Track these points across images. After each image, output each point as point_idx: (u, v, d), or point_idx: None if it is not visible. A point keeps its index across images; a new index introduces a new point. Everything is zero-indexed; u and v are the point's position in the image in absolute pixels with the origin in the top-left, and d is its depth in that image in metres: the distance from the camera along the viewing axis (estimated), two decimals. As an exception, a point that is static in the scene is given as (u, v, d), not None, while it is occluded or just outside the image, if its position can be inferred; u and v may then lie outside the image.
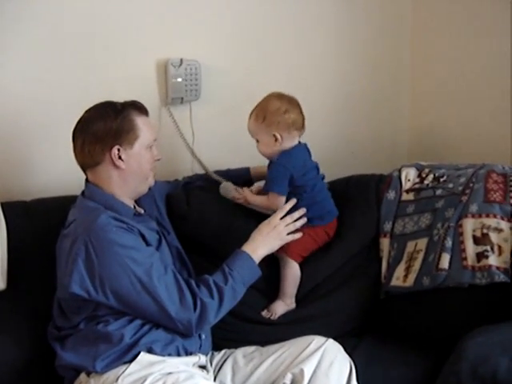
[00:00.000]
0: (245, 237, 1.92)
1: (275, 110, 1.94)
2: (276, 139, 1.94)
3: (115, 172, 1.76)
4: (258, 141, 1.98)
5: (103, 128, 1.73)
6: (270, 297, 2.02)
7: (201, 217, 2.07)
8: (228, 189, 2.07)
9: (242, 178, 2.18)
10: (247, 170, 2.24)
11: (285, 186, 1.96)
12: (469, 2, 2.45)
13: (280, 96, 1.97)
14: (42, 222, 1.92)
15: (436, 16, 2.61)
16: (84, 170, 1.80)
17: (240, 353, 1.83)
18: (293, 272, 2.00)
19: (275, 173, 1.97)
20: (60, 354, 1.70)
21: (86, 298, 1.64)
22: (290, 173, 1.94)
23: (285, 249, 1.98)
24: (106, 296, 1.64)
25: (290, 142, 1.97)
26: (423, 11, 2.66)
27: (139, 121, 1.77)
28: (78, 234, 1.65)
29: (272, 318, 1.99)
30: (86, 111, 1.79)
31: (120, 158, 1.74)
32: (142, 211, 1.89)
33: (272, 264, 2.03)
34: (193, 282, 1.73)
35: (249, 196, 2.03)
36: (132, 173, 1.77)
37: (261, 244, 1.85)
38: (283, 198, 1.96)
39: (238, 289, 1.76)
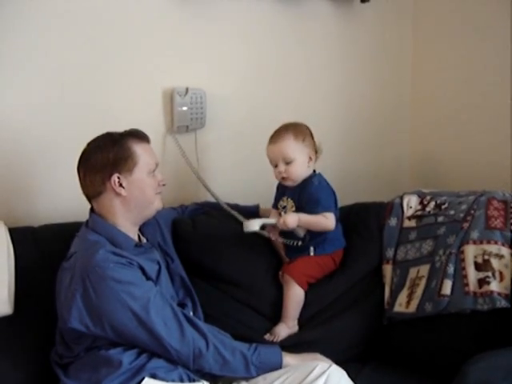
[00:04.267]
0: (250, 261, 1.94)
1: (309, 134, 2.04)
2: (310, 159, 2.01)
3: (117, 200, 1.78)
4: (289, 162, 1.99)
5: (101, 158, 1.76)
6: (274, 321, 2.03)
7: (206, 241, 2.08)
8: (257, 222, 1.99)
9: (250, 214, 2.17)
10: (256, 207, 2.26)
11: (334, 205, 2.04)
12: (469, 31, 2.49)
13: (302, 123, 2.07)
14: (49, 248, 1.93)
15: (436, 47, 2.65)
16: (89, 201, 1.82)
17: (244, 378, 1.81)
18: (297, 295, 2.01)
19: (325, 195, 2.02)
20: (63, 380, 1.71)
21: (85, 332, 1.65)
22: (333, 196, 2.04)
23: (292, 273, 2.02)
24: (104, 331, 1.65)
25: (313, 166, 2.05)
26: (424, 41, 2.71)
27: (137, 148, 1.79)
28: (76, 270, 1.67)
29: (275, 340, 1.98)
30: (88, 144, 1.81)
31: (121, 185, 1.76)
32: (145, 240, 1.91)
33: (277, 288, 2.05)
34: (200, 322, 1.74)
35: (301, 216, 1.97)
36: (134, 199, 1.79)
37: (299, 359, 1.80)
38: None
39: (251, 369, 1.73)
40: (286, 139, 2.00)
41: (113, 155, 1.75)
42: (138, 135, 1.82)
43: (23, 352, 1.81)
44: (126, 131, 1.82)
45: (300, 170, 2.01)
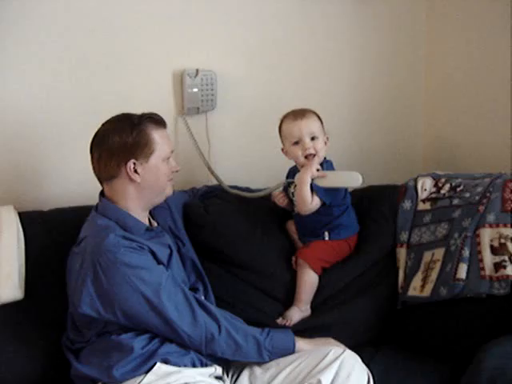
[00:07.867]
0: (262, 245, 1.94)
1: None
2: (325, 143, 2.01)
3: (131, 186, 1.76)
4: (314, 138, 1.98)
5: (118, 142, 1.73)
6: (286, 305, 2.02)
7: (218, 225, 2.07)
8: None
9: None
10: None
11: (333, 197, 2.01)
12: (482, 16, 2.44)
13: None
14: (59, 232, 1.92)
15: (449, 27, 2.61)
16: (100, 183, 1.80)
17: (256, 363, 1.81)
18: (311, 279, 2.01)
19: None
20: (75, 365, 1.71)
21: (96, 317, 1.65)
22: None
23: (307, 258, 2.01)
24: (115, 316, 1.65)
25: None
26: (437, 22, 2.66)
27: (156, 134, 1.76)
28: (86, 255, 1.66)
29: (287, 324, 1.97)
30: (103, 124, 1.78)
31: (136, 171, 1.74)
32: (156, 224, 1.89)
33: (290, 272, 2.04)
34: (212, 307, 1.74)
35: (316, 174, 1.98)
36: (148, 186, 1.77)
37: (312, 344, 1.79)
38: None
39: (264, 353, 1.73)
40: (312, 116, 2.00)
41: (131, 140, 1.73)
42: (157, 120, 1.79)
43: (34, 337, 1.82)
44: (144, 114, 1.79)
45: (323, 147, 2.00)
